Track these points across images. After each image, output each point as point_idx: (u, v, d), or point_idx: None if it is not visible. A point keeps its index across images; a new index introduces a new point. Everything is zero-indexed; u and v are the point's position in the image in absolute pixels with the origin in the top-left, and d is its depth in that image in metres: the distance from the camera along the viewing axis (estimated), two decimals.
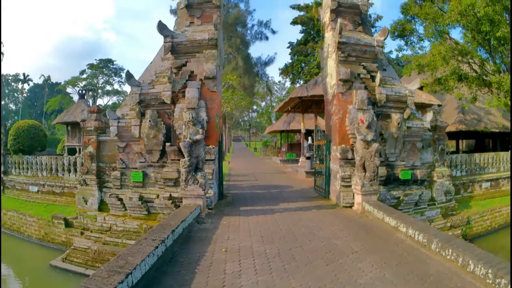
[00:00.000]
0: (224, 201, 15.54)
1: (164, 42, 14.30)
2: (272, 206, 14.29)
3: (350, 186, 14.00)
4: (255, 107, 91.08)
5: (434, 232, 8.57)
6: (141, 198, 13.90)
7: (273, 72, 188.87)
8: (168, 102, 14.03)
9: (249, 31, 46.77)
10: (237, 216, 12.45)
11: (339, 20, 14.40)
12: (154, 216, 13.89)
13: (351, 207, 13.76)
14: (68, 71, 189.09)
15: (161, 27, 14.19)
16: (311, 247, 8.67)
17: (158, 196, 13.76)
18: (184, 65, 14.49)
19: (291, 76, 56.13)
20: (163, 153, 14.28)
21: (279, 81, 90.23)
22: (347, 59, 14.79)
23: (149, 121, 13.94)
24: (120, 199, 14.33)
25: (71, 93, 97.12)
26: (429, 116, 15.91)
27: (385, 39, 15.10)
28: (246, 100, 44.74)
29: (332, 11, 15.49)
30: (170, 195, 13.52)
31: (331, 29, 15.41)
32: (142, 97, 14.38)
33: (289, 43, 55.04)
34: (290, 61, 54.70)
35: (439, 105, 27.77)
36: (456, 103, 33.21)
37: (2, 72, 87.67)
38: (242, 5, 45.50)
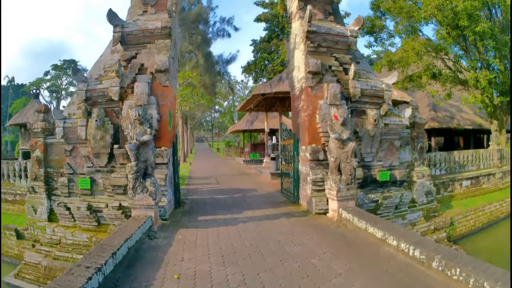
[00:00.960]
0: (181, 209, 13.86)
1: (114, 32, 12.70)
2: (235, 215, 12.69)
3: (323, 190, 12.50)
4: (217, 107, 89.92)
5: (433, 247, 7.19)
6: (89, 207, 12.35)
7: (235, 71, 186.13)
8: (116, 99, 12.48)
9: (211, 28, 45.19)
10: (195, 228, 10.75)
11: (308, 7, 12.99)
12: (105, 227, 12.31)
13: (325, 213, 12.28)
14: (33, 72, 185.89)
15: (111, 16, 12.61)
16: (284, 269, 7.06)
17: (107, 205, 12.21)
18: (134, 57, 12.95)
19: (253, 74, 55.36)
20: (111, 156, 12.76)
21: (242, 80, 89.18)
22: (317, 49, 13.43)
23: (96, 120, 12.41)
24: (69, 209, 12.77)
25: None
26: (407, 112, 14.83)
27: (359, 29, 14.14)
28: (206, 98, 42.71)
29: None
30: (120, 204, 11.95)
31: (299, 18, 14.06)
32: (89, 94, 12.70)
33: (252, 40, 54.47)
34: (253, 59, 54.00)
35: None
36: (427, 100, 33.02)
37: None
38: (204, 2, 44.20)
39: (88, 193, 12.78)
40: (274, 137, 37.46)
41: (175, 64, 14.23)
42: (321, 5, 14.40)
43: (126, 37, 12.78)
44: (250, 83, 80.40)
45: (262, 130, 41.89)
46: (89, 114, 12.73)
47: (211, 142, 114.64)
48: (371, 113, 13.43)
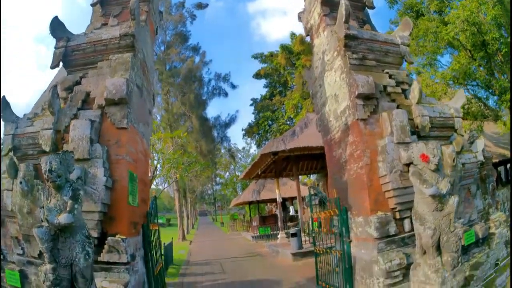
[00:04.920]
0: None
1: (55, 48, 8.94)
2: None
3: (402, 282, 7.88)
4: (218, 178, 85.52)
5: None
6: None
7: (235, 135, 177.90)
8: (48, 149, 7.93)
9: (205, 88, 41.45)
10: None
11: (343, 1, 9.11)
12: None
13: None
14: None
15: (55, 26, 9.09)
16: None
17: None
18: (78, 82, 8.56)
19: (256, 138, 51.96)
20: None
21: (243, 148, 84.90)
22: (362, 63, 9.35)
23: (20, 183, 7.73)
24: None
25: None
26: (479, 144, 10.68)
27: (410, 35, 10.80)
28: (201, 164, 38.12)
29: (323, 3, 10.61)
30: None
31: (326, 26, 10.43)
32: (17, 140, 8.38)
33: (252, 99, 51.81)
34: (254, 120, 50.97)
35: None
36: None
37: None
38: (197, 58, 40.47)
39: None
40: (291, 207, 32.80)
41: (144, 98, 9.75)
42: (351, 11, 10.08)
43: (71, 55, 8.94)
44: (253, 150, 75.56)
45: (271, 201, 38.42)
46: (16, 172, 8.06)
47: (214, 215, 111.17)
48: (447, 151, 8.62)
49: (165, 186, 31.39)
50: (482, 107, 23.12)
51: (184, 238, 37.64)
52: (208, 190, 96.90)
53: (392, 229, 8.13)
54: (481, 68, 22.39)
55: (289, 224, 29.46)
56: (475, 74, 21.90)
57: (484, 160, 10.81)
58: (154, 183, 24.30)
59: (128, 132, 8.04)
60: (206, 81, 41.53)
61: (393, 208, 8.30)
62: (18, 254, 8.15)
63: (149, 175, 18.30)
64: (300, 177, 28.55)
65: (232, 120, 45.03)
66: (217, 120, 44.32)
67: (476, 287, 8.86)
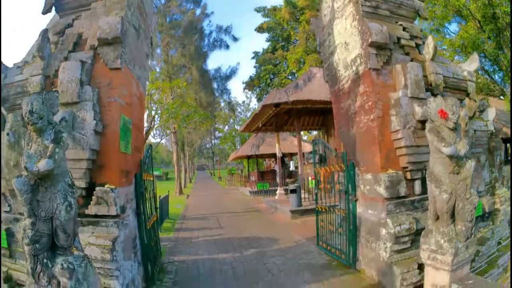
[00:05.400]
0: None
1: None
2: None
3: (410, 249, 7.48)
4: (217, 132, 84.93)
5: None
6: (9, 278, 7.19)
7: (235, 90, 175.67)
8: None
9: (206, 40, 40.70)
10: None
11: None
12: None
13: None
14: None
15: None
16: None
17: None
18: (70, 25, 7.84)
19: (257, 91, 51.23)
20: None
21: (243, 101, 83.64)
22: (375, 11, 8.71)
23: (7, 134, 7.22)
24: None
25: None
26: (491, 113, 10.00)
27: None
28: (200, 115, 36.51)
29: None
30: None
31: None
32: (6, 90, 7.80)
33: (254, 53, 50.70)
34: (256, 73, 50.07)
35: None
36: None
37: None
38: (198, 10, 39.28)
39: (7, 254, 7.48)
40: (291, 163, 32.31)
41: (141, 41, 9.02)
42: None
43: None
44: (253, 104, 75.01)
45: (270, 156, 37.99)
46: (5, 124, 7.53)
47: (212, 170, 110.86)
48: (461, 113, 7.89)
49: (162, 137, 30.86)
50: (489, 80, 23.20)
51: (181, 192, 37.38)
52: (206, 144, 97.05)
53: (403, 190, 7.65)
54: (490, 41, 21.96)
55: (287, 180, 29.12)
56: (483, 46, 21.95)
57: (494, 131, 10.34)
58: (152, 134, 23.72)
59: (121, 73, 7.40)
60: (207, 33, 40.81)
61: (404, 167, 7.82)
62: (5, 212, 7.66)
63: (146, 125, 17.82)
64: (301, 132, 28.11)
65: (232, 73, 44.50)
66: (217, 72, 43.87)
67: (481, 263, 8.63)
